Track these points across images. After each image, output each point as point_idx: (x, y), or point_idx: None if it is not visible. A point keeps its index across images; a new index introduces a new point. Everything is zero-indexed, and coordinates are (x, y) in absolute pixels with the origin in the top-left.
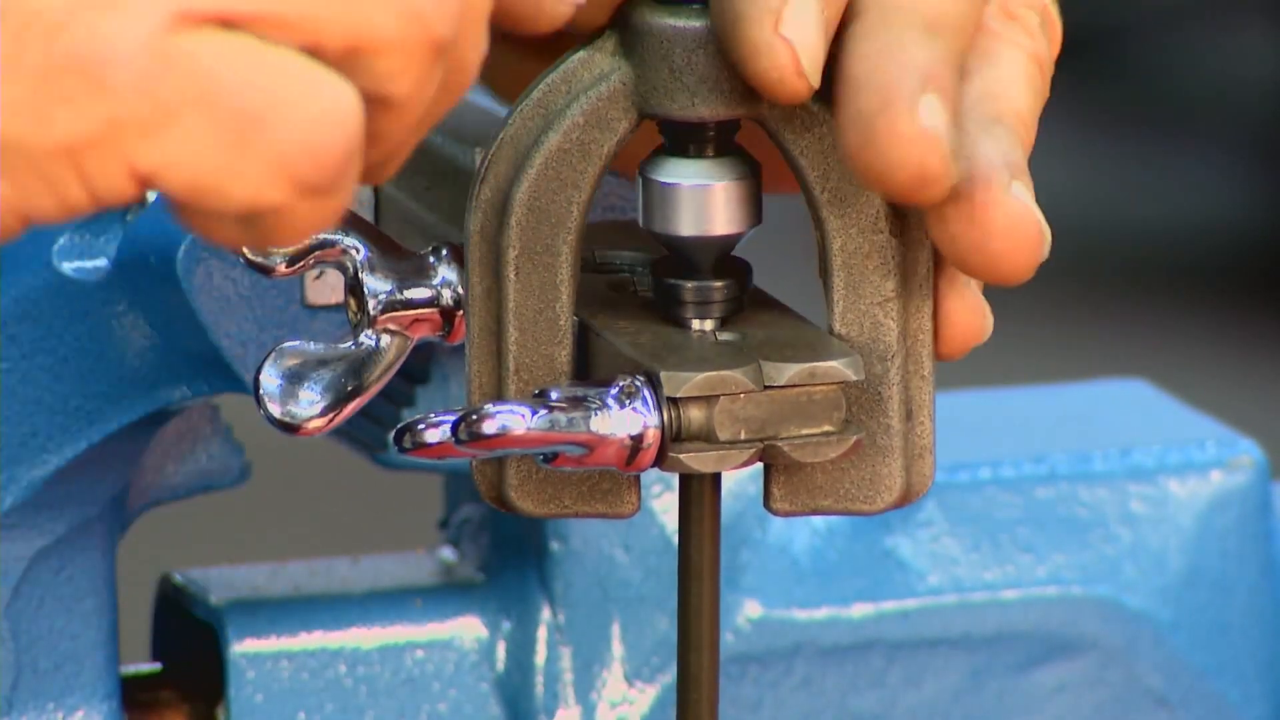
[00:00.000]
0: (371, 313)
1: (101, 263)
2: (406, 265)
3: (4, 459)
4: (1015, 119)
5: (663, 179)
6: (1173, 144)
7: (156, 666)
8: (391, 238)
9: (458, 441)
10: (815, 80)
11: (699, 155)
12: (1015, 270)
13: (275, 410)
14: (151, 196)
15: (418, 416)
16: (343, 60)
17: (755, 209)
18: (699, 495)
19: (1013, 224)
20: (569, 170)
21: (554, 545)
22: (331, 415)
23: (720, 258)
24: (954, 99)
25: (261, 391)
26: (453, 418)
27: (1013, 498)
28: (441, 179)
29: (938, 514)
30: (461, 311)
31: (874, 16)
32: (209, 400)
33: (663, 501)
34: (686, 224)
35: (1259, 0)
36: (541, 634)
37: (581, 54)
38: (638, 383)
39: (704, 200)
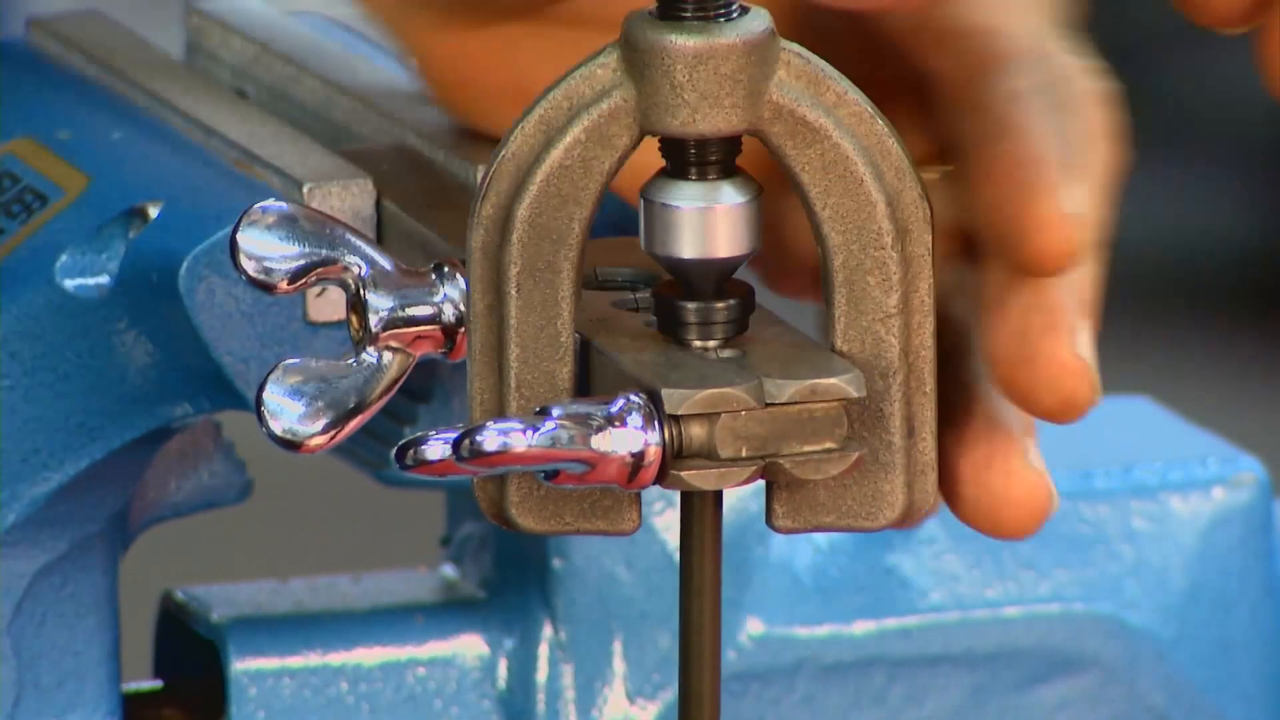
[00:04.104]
0: (373, 330)
1: (103, 279)
2: (409, 282)
3: (5, 476)
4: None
5: (664, 201)
6: (1175, 162)
7: (158, 684)
8: (393, 255)
9: (459, 458)
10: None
11: (701, 177)
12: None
13: (277, 427)
14: (153, 212)
15: (419, 433)
16: None
17: (758, 232)
18: (700, 512)
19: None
20: (570, 187)
21: (556, 563)
22: (333, 432)
23: (722, 279)
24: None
25: (263, 408)
26: (454, 435)
27: None
28: (443, 196)
29: (940, 531)
30: (463, 329)
31: None
32: (211, 417)
33: (664, 519)
34: (688, 246)
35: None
36: (543, 651)
37: (583, 70)
38: (639, 400)
39: (706, 222)
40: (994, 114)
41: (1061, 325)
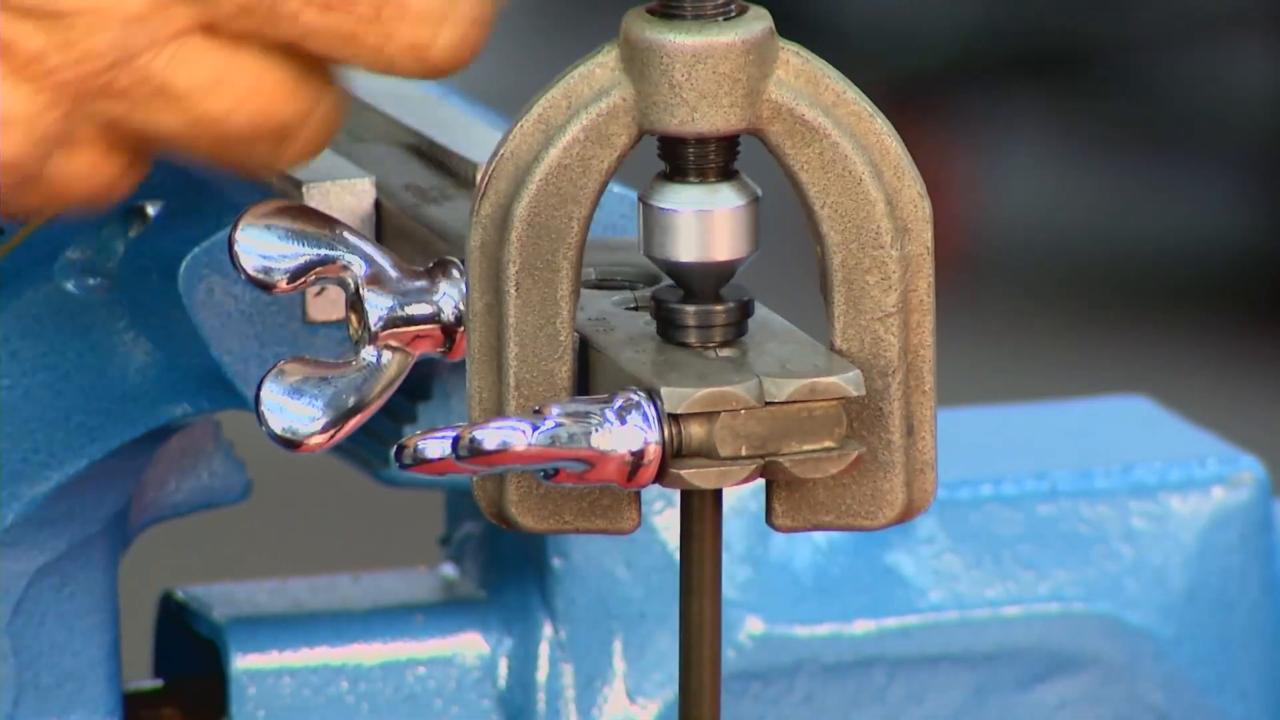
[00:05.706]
0: (373, 329)
1: (103, 279)
2: (408, 281)
3: (5, 475)
4: None
5: (662, 205)
6: (1173, 161)
7: (158, 683)
8: (393, 254)
9: (458, 457)
10: None
11: (700, 181)
12: None
13: (277, 426)
14: (153, 211)
15: (418, 432)
16: None
17: (756, 235)
18: (700, 511)
19: None
20: (569, 185)
21: (556, 562)
22: (333, 431)
23: (722, 282)
24: None
25: (263, 408)
26: (453, 434)
27: (1014, 514)
28: (443, 195)
29: (939, 530)
30: (463, 327)
31: None
32: (211, 417)
33: (664, 518)
34: (687, 250)
35: (1259, 17)
36: (543, 650)
37: (581, 69)
38: (638, 399)
39: (705, 226)
40: None
41: None
